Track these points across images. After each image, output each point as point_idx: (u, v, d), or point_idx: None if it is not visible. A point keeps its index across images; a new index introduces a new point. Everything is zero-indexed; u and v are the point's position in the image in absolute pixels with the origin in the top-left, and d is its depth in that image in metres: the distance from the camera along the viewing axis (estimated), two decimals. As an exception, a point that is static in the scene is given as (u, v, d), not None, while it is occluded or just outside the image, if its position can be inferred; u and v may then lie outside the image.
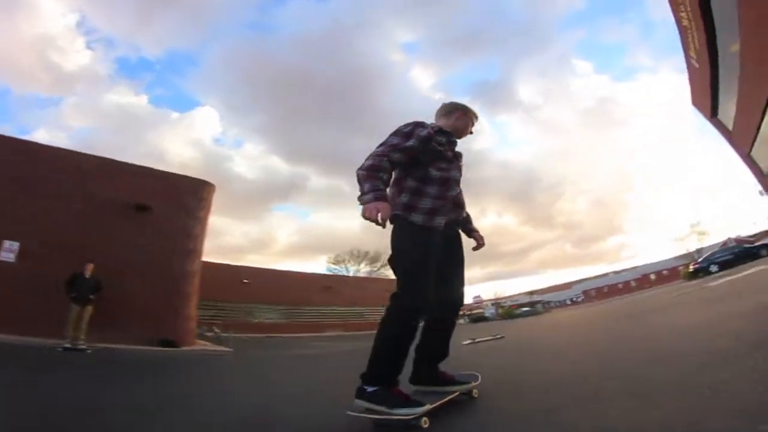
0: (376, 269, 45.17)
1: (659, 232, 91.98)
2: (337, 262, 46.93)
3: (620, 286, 55.27)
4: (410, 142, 1.91)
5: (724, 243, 29.48)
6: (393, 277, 1.87)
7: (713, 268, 19.18)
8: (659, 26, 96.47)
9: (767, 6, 13.36)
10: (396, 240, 1.90)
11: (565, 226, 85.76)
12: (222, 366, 6.46)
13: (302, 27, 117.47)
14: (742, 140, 23.54)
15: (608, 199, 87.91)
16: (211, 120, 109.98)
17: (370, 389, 1.71)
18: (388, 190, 1.88)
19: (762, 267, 10.40)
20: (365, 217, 1.70)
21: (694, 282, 15.71)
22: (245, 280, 26.93)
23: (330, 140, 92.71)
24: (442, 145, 2.02)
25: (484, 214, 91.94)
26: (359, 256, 46.97)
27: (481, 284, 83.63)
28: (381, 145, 1.92)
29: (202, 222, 11.72)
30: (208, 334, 13.97)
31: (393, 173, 1.95)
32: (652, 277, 54.06)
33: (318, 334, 23.91)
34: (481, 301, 45.40)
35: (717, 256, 20.68)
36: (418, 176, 1.94)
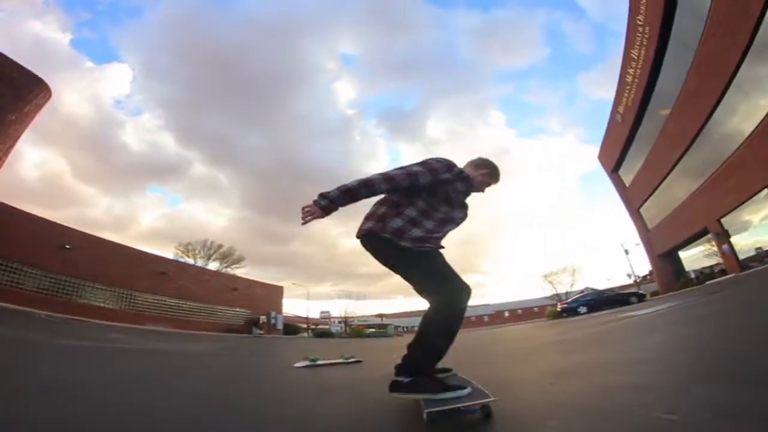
0: (226, 265, 40.56)
1: (520, 275, 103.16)
2: (185, 251, 40.77)
3: (473, 318, 60.19)
4: (427, 178, 2.00)
5: (582, 291, 32.87)
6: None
7: (582, 309, 20.50)
8: (580, 98, 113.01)
9: (709, 76, 14.86)
10: (397, 258, 1.99)
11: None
12: None
13: (259, 10, 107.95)
14: (635, 196, 26.06)
15: (477, 240, 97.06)
16: (121, 80, 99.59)
17: (406, 380, 1.82)
18: (380, 207, 2.04)
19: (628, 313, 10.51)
20: (304, 208, 1.89)
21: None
22: (67, 245, 20.81)
23: (228, 131, 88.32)
24: (457, 192, 2.12)
25: (350, 235, 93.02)
26: (211, 248, 41.79)
27: (332, 300, 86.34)
28: (400, 168, 2.03)
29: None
30: None
31: (390, 195, 2.05)
32: (506, 314, 60.41)
33: (130, 325, 18.67)
34: (330, 317, 43.62)
35: (585, 299, 22.13)
36: (421, 208, 2.01)
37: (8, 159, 21.43)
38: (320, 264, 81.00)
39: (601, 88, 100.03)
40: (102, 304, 21.86)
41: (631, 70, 21.13)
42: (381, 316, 60.09)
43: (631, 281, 37.79)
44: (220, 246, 42.72)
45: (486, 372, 3.38)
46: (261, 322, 30.31)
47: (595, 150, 29.72)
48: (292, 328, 34.24)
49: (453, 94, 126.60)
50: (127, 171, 79.10)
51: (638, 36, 19.51)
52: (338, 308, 43.79)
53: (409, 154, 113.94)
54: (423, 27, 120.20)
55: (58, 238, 20.51)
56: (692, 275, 20.45)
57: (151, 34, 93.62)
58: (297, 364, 4.89)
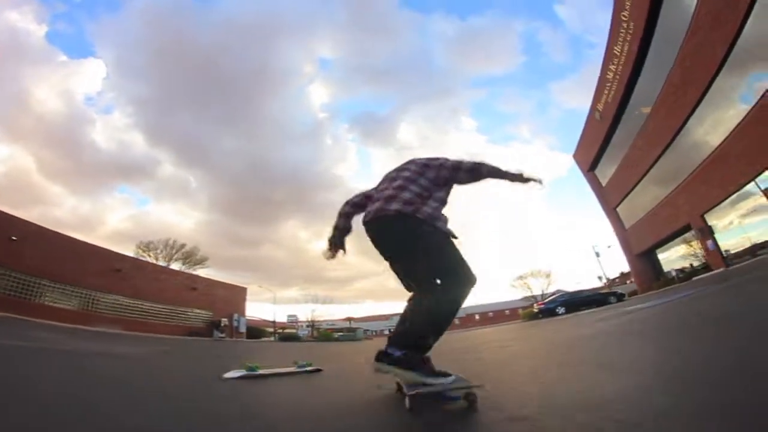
0: (189, 266, 37.92)
1: (490, 278, 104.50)
2: (147, 249, 37.97)
3: (456, 321, 59.91)
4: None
5: (554, 293, 32.20)
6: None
7: (560, 309, 19.60)
8: (552, 107, 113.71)
9: (694, 68, 14.35)
10: (432, 239, 1.92)
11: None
12: None
13: (238, 10, 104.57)
14: (612, 195, 25.54)
15: None
16: (94, 76, 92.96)
17: (398, 353, 1.75)
18: (403, 192, 1.99)
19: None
20: (530, 177, 2.09)
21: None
22: (13, 237, 18.45)
23: (200, 132, 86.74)
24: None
25: (320, 236, 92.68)
26: (173, 248, 39.14)
27: (300, 305, 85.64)
28: (457, 159, 2.12)
29: None
30: None
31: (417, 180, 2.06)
32: (477, 317, 59.99)
33: (78, 326, 16.40)
34: (297, 321, 41.56)
35: (563, 299, 21.26)
36: (443, 200, 2.07)
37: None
38: (288, 269, 78.50)
39: (572, 98, 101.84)
40: (52, 303, 19.47)
41: (612, 67, 20.78)
42: (349, 319, 58.49)
43: (601, 284, 37.93)
44: (182, 245, 39.97)
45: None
46: (222, 324, 28.02)
47: (565, 158, 29.59)
48: (256, 331, 31.94)
49: (427, 99, 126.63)
50: (96, 170, 74.30)
51: (622, 32, 19.15)
52: (305, 312, 41.69)
53: (380, 159, 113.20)
54: (401, 32, 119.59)
55: (6, 229, 18.04)
56: (673, 274, 20.17)
57: (127, 30, 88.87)
58: (228, 374, 3.42)
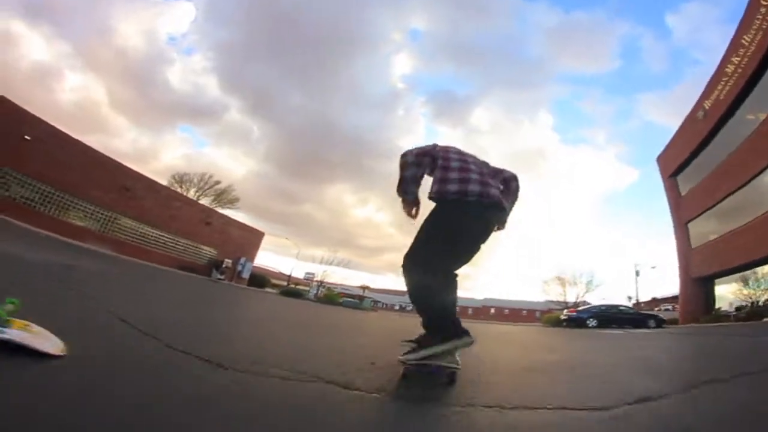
0: (218, 205, 37.09)
1: (515, 275, 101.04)
2: (180, 182, 37.46)
3: (470, 311, 56.85)
4: None
5: (584, 303, 29.73)
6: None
7: (592, 322, 17.25)
8: (634, 118, 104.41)
9: None
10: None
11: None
12: None
13: None
14: (689, 208, 21.93)
15: None
16: (182, 17, 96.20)
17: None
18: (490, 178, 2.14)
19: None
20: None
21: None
22: (27, 137, 17.47)
23: (274, 84, 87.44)
24: None
25: (365, 204, 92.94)
26: (207, 183, 38.43)
27: (322, 265, 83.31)
28: None
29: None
30: None
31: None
32: (492, 310, 57.90)
33: (54, 235, 15.60)
34: (312, 279, 40.37)
35: (597, 310, 18.72)
36: None
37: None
38: (323, 230, 79.42)
39: (658, 112, 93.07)
40: (48, 213, 18.66)
41: (736, 59, 17.28)
42: (364, 288, 57.26)
43: (629, 304, 34.56)
44: (217, 182, 39.34)
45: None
46: (224, 265, 26.98)
47: (631, 172, 25.78)
48: (260, 279, 30.61)
49: (509, 87, 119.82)
50: (165, 107, 77.53)
51: (759, 18, 15.73)
52: (321, 271, 40.09)
53: (446, 138, 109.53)
54: (498, 15, 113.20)
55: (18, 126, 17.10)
56: (728, 310, 16.94)
57: None
58: None
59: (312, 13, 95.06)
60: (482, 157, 2.24)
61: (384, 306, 57.50)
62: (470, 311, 57.76)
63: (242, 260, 29.03)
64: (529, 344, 5.83)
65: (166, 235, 24.32)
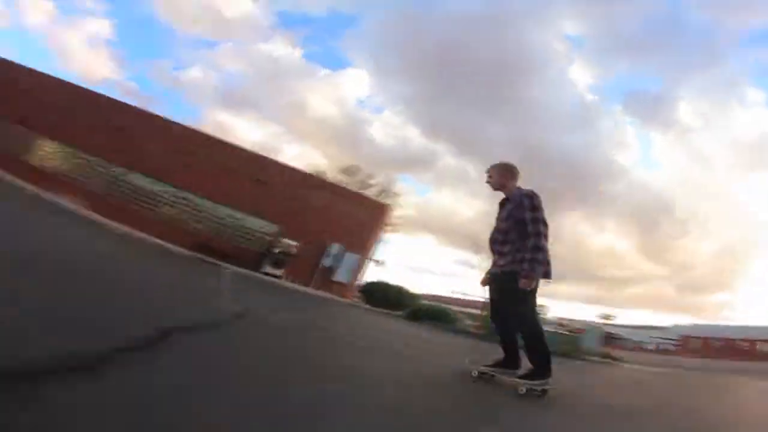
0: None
1: None
2: (350, 173, 30.61)
3: (746, 345, 34.38)
4: None
5: None
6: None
7: None
8: None
9: None
10: None
11: (678, 267, 70.02)
12: None
13: (462, 5, 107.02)
14: None
15: (733, 250, 69.67)
16: (358, 82, 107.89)
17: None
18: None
19: None
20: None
21: None
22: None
23: (467, 120, 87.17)
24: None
25: (602, 231, 77.19)
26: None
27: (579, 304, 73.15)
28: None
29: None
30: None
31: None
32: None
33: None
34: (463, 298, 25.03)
35: None
36: None
37: None
38: (565, 262, 65.73)
39: None
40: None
41: None
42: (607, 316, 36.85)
43: None
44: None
45: None
46: (289, 251, 14.64)
47: None
48: (382, 290, 16.79)
49: (694, 68, 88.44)
50: (378, 162, 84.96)
51: None
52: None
53: (660, 144, 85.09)
54: None
55: None
56: None
57: (370, 39, 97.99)
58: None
59: (471, 53, 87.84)
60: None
61: (631, 345, 36.25)
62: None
63: (335, 248, 16.09)
64: None
65: (177, 193, 13.90)
